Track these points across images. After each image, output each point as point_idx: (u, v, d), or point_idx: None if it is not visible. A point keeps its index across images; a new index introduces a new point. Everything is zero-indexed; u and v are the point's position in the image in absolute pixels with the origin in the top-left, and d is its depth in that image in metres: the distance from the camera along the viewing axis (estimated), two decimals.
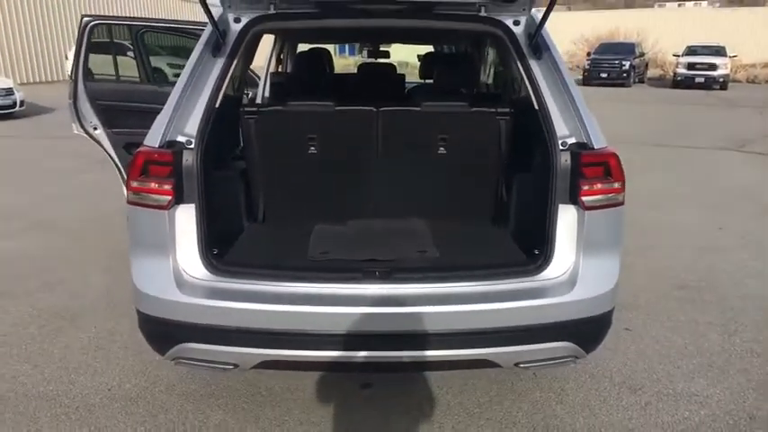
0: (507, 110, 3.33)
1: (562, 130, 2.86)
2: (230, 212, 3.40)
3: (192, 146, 2.75)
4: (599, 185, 2.75)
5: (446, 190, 3.56)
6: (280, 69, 5.92)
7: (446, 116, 3.38)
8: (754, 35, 32.47)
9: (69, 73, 5.15)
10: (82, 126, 5.01)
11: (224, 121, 3.09)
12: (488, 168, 3.50)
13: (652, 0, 60.86)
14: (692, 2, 58.86)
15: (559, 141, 2.83)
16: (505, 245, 3.27)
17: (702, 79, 25.04)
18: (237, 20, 3.06)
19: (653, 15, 37.21)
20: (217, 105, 2.91)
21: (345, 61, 30.28)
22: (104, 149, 5.12)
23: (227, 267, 2.79)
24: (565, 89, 2.92)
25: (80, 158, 9.31)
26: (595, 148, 2.79)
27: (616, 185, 2.78)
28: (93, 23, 4.76)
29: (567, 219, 2.81)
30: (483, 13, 3.12)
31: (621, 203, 2.82)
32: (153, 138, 2.73)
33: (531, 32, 3.04)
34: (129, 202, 2.73)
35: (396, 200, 3.60)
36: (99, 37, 4.99)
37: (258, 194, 3.56)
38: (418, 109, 3.31)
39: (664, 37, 32.28)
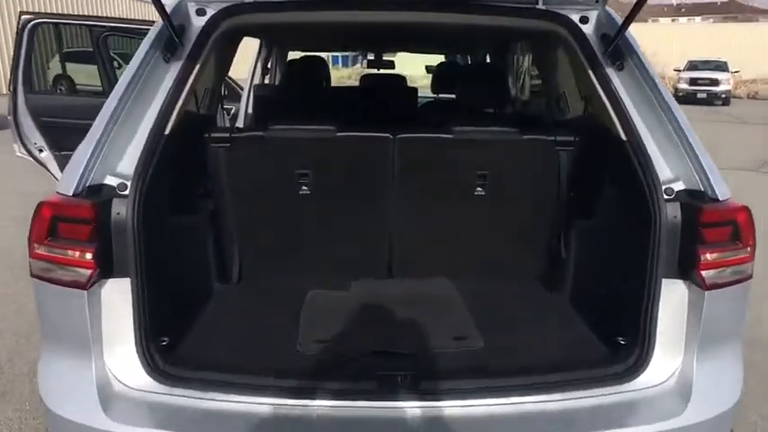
0: (571, 138, 2.48)
1: (664, 170, 2.05)
2: (193, 273, 2.53)
3: (128, 191, 1.88)
4: (724, 253, 1.91)
5: (485, 244, 2.71)
6: (267, 81, 5.03)
7: (487, 146, 2.52)
8: (752, 50, 32.02)
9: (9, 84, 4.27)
10: (25, 147, 4.13)
11: (184, 147, 2.24)
12: (542, 216, 2.65)
13: (645, 14, 60.87)
14: (686, 17, 58.91)
15: (663, 187, 1.99)
16: (570, 323, 2.41)
17: (704, 95, 24.42)
18: (201, 12, 2.21)
19: (647, 30, 36.66)
20: (169, 128, 2.05)
21: (339, 73, 29.07)
22: (53, 175, 4.23)
23: (180, 371, 1.90)
24: (666, 112, 2.09)
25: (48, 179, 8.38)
26: (720, 199, 1.94)
27: (746, 252, 1.93)
28: (34, 22, 3.87)
29: (672, 299, 1.99)
30: (541, 6, 2.29)
31: (750, 277, 1.97)
32: (67, 182, 1.85)
33: (608, 33, 2.25)
34: (33, 275, 1.85)
35: (416, 256, 2.74)
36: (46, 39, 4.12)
37: (232, 246, 2.68)
38: (450, 136, 2.46)
39: (660, 52, 31.71)
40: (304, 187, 2.52)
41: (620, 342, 2.10)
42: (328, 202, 2.57)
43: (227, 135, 2.40)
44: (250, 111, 4.30)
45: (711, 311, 1.91)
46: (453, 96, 4.98)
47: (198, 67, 2.18)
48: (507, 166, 2.53)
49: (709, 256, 1.88)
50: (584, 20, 2.32)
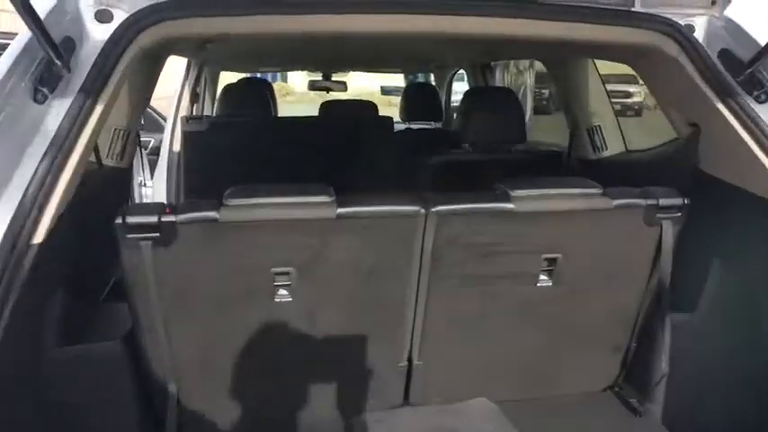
0: (680, 201, 1.68)
1: None
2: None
3: None
4: None
5: (549, 353, 1.88)
6: (195, 111, 3.90)
7: (559, 216, 1.69)
8: None
9: None
10: None
11: (76, 238, 1.33)
12: (631, 312, 1.85)
13: None
14: None
15: None
16: None
17: (618, 107, 25.26)
18: (104, 15, 1.28)
19: None
20: (45, 227, 1.13)
21: None
22: None
23: None
24: None
25: None
26: None
27: None
28: None
29: None
30: (639, 8, 1.57)
31: None
32: None
33: (731, 49, 1.57)
34: None
35: (447, 374, 1.87)
36: None
37: (164, 379, 1.71)
38: (511, 207, 1.60)
39: None
40: (283, 291, 1.59)
41: None
42: (318, 311, 1.66)
43: (155, 220, 1.42)
44: (176, 149, 3.26)
45: None
46: (431, 126, 4.19)
47: (101, 107, 1.25)
48: (586, 245, 1.71)
49: None
50: (690, 29, 1.61)
